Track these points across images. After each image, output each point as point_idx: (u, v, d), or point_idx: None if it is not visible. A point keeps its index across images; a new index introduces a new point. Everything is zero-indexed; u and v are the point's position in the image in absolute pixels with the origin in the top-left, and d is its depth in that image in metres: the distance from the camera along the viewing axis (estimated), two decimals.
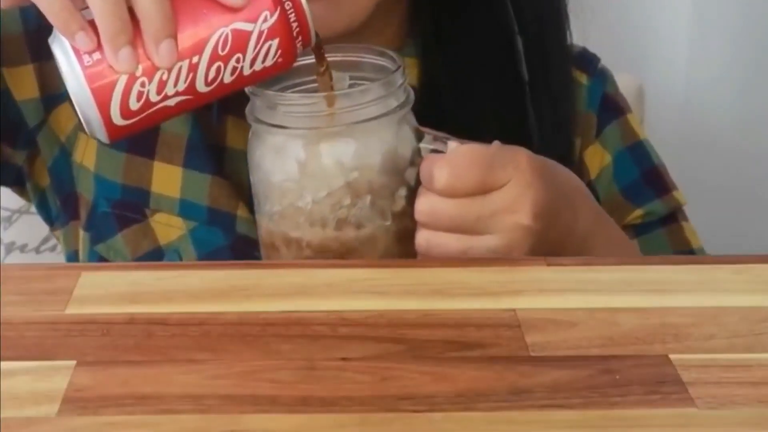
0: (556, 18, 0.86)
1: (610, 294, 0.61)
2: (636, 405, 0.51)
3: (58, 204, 0.86)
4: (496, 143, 0.67)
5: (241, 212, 0.81)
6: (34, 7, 0.81)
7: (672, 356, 0.55)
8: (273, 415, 0.50)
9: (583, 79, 0.90)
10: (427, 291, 0.61)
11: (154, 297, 0.60)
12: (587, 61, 0.91)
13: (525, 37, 0.83)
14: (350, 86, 0.68)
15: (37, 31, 0.79)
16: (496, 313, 0.59)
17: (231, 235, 0.80)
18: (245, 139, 0.80)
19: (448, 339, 0.56)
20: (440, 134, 0.68)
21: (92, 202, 0.82)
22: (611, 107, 0.90)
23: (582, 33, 0.88)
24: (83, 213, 0.83)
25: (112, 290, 0.61)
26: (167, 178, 0.81)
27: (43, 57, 0.80)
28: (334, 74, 0.68)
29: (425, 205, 0.66)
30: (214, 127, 0.82)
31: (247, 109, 0.68)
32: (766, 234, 1.45)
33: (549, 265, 0.65)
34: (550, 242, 0.67)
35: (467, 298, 0.60)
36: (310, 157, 0.66)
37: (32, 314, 0.58)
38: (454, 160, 0.65)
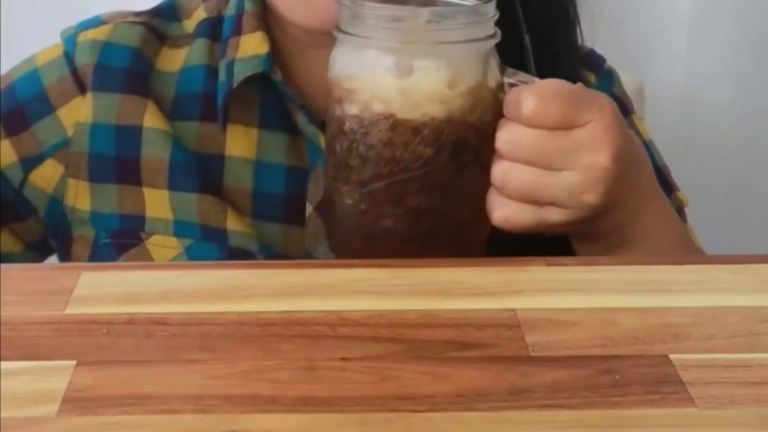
0: (565, 17, 0.87)
1: (610, 294, 0.61)
2: (636, 405, 0.51)
3: (55, 245, 0.88)
4: (580, 84, 0.67)
5: (231, 225, 0.81)
6: (5, 89, 0.85)
7: (672, 356, 0.55)
8: (273, 415, 0.50)
9: (591, 78, 0.91)
10: (427, 291, 0.61)
11: (154, 297, 0.60)
12: (594, 61, 0.92)
13: (534, 36, 0.83)
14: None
15: (10, 113, 0.83)
16: (496, 313, 0.59)
17: (225, 249, 0.81)
18: (244, 146, 0.82)
19: (448, 339, 0.56)
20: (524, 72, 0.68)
21: (93, 239, 0.84)
22: (619, 107, 0.91)
23: (592, 35, 0.89)
24: (84, 252, 0.84)
25: (112, 290, 0.61)
26: (157, 202, 0.82)
27: (19, 129, 0.83)
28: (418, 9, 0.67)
29: (508, 134, 0.66)
30: (218, 137, 0.83)
31: (337, 21, 0.67)
32: (766, 234, 1.45)
33: (549, 265, 0.65)
34: (618, 191, 0.67)
35: (467, 298, 0.60)
36: (401, 73, 0.65)
37: (32, 314, 0.58)
38: (541, 90, 0.66)
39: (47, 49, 0.87)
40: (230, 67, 0.82)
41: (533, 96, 0.65)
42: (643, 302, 0.60)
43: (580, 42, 0.89)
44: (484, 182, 0.68)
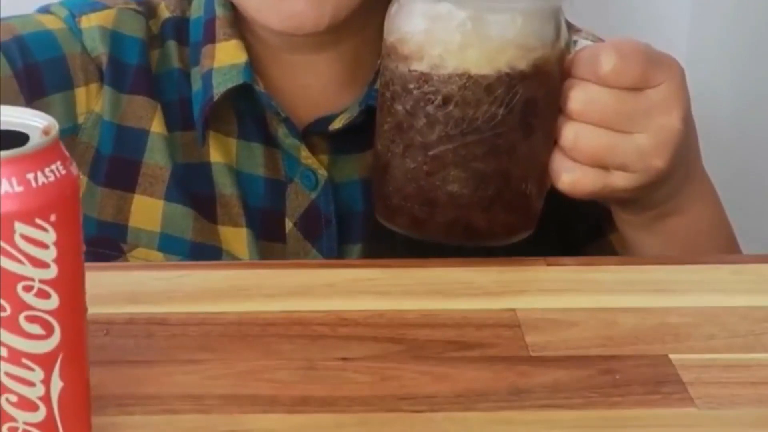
0: None
1: (610, 294, 0.61)
2: (636, 405, 0.51)
3: None
4: (648, 43, 0.65)
5: (226, 246, 0.79)
6: (13, 41, 0.76)
7: (672, 356, 0.55)
8: (273, 415, 0.50)
9: None
10: (427, 291, 0.61)
11: (154, 297, 0.60)
12: None
13: None
14: None
15: (25, 68, 0.77)
16: (496, 313, 0.59)
17: None
18: (225, 153, 0.79)
19: (448, 339, 0.56)
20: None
21: None
22: None
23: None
24: None
25: (112, 290, 0.61)
26: (147, 212, 0.79)
27: (36, 94, 0.78)
28: None
29: (581, 94, 0.64)
30: (200, 148, 0.80)
31: None
32: (766, 234, 1.45)
33: (549, 265, 0.65)
34: (680, 156, 0.66)
35: (467, 298, 0.60)
36: (475, 28, 0.63)
37: None
38: (621, 48, 0.63)
39: (46, 16, 0.81)
40: (207, 78, 0.79)
41: (614, 54, 0.63)
42: (643, 302, 0.60)
43: None
44: (548, 147, 0.66)
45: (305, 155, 0.80)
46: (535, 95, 0.64)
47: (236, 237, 0.80)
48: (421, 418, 0.50)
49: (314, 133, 0.80)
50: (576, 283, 0.63)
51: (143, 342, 0.56)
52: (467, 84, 0.63)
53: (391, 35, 0.66)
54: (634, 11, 1.55)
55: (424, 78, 0.64)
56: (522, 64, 0.63)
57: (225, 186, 0.80)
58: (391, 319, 0.58)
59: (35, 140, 0.42)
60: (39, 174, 0.41)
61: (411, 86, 0.64)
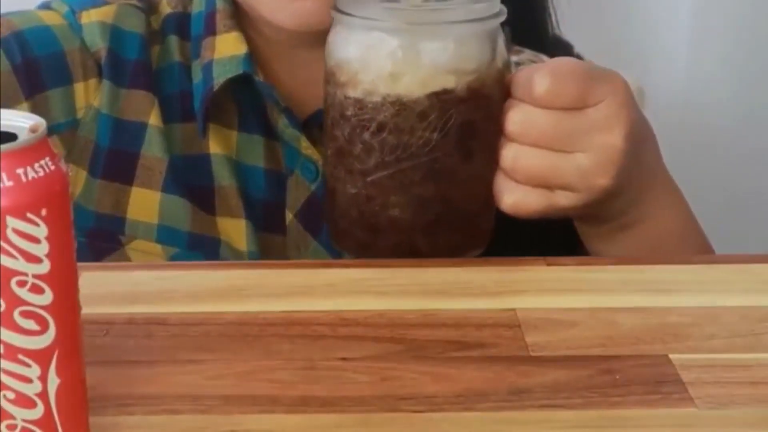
0: (532, 7, 0.86)
1: (610, 294, 0.61)
2: (636, 405, 0.51)
3: None
4: (590, 61, 0.65)
5: (225, 237, 0.80)
6: (12, 36, 0.77)
7: (672, 356, 0.55)
8: (273, 415, 0.50)
9: None
10: (427, 291, 0.61)
11: (154, 297, 0.60)
12: (562, 46, 0.90)
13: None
14: None
15: (24, 63, 0.78)
16: (496, 313, 0.59)
17: (214, 259, 0.79)
18: (225, 145, 0.80)
19: (448, 339, 0.56)
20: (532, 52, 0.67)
21: None
22: None
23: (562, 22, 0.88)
24: None
25: (112, 290, 0.61)
26: (145, 204, 0.80)
27: (35, 89, 0.78)
28: None
29: (519, 115, 0.64)
30: (199, 140, 0.81)
31: (336, 4, 0.65)
32: (766, 234, 1.45)
33: (549, 265, 0.65)
34: (628, 171, 0.65)
35: (467, 298, 0.60)
36: (406, 54, 0.64)
37: None
38: (556, 69, 0.64)
39: (46, 12, 0.82)
40: (208, 69, 0.80)
41: (548, 75, 0.63)
42: (643, 302, 0.60)
43: (555, 28, 0.88)
44: (491, 167, 0.66)
45: (305, 146, 0.80)
46: (471, 118, 0.64)
47: (235, 228, 0.80)
48: (421, 418, 0.50)
49: (314, 124, 0.81)
50: (576, 283, 0.63)
51: (143, 342, 0.56)
52: (400, 111, 0.64)
53: (330, 60, 0.66)
54: (634, 15, 1.55)
55: (359, 105, 0.64)
56: (454, 89, 0.63)
57: (223, 178, 0.80)
58: (391, 319, 0.58)
59: (23, 137, 0.43)
60: (29, 169, 0.42)
61: (348, 113, 0.65)
